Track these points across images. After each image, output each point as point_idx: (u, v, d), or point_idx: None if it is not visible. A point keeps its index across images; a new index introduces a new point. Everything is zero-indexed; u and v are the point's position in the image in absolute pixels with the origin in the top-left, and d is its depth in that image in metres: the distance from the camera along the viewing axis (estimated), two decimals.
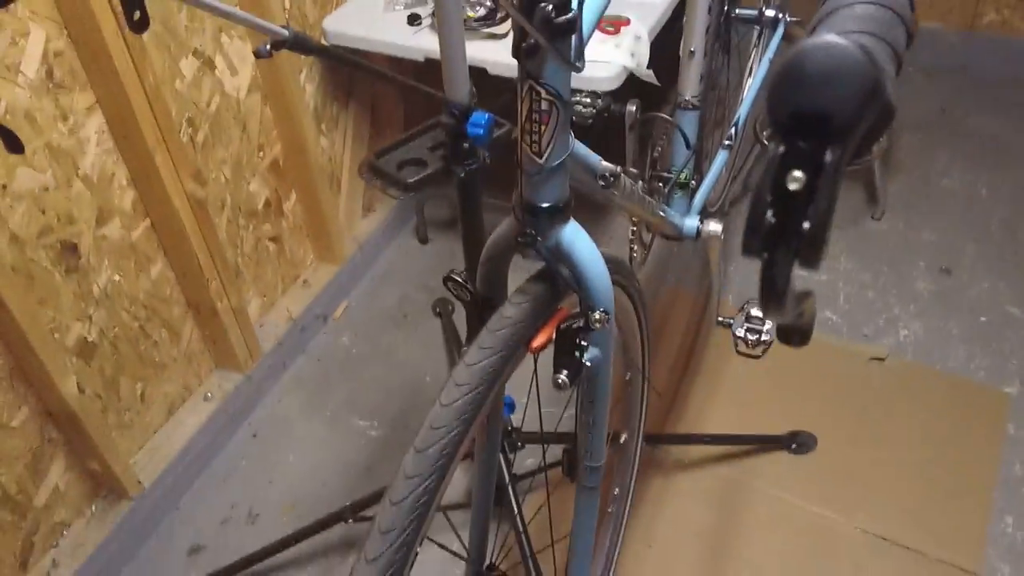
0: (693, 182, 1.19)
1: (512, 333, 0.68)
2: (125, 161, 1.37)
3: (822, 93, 0.31)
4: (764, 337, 1.05)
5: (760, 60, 1.43)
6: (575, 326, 0.71)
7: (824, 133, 0.32)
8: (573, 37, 0.58)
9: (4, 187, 1.19)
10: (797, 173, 0.33)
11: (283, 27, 0.63)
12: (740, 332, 1.04)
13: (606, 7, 0.71)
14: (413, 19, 1.63)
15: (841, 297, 1.91)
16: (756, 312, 1.06)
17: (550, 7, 0.54)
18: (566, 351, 0.72)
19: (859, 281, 1.95)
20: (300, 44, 0.63)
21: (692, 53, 1.15)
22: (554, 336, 0.72)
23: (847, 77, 0.30)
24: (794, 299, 0.39)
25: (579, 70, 0.60)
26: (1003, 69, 2.50)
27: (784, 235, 0.33)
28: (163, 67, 1.37)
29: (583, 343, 0.72)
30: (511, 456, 1.40)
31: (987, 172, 2.21)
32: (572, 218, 0.72)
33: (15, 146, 0.57)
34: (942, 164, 2.25)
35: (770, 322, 1.06)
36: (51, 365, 1.27)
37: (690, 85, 1.18)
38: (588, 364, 0.74)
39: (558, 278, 0.73)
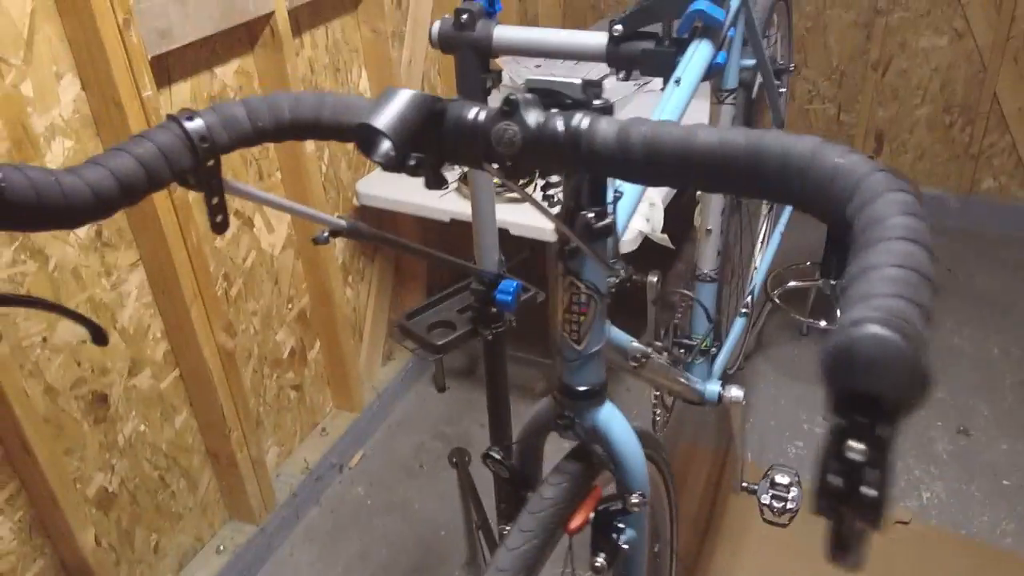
0: (713, 348, 1.22)
1: (552, 515, 0.70)
2: (161, 313, 1.42)
3: (872, 381, 0.34)
4: (791, 505, 1.04)
5: (772, 233, 1.51)
6: (613, 508, 0.73)
7: (878, 410, 0.35)
8: (609, 240, 0.63)
9: (45, 340, 1.23)
10: (858, 445, 0.36)
11: (339, 217, 0.68)
12: (766, 499, 1.05)
13: (636, 208, 0.77)
14: (440, 183, 1.73)
15: None
16: (781, 479, 1.06)
17: (591, 215, 0.60)
18: (603, 534, 0.73)
19: None
20: (355, 232, 0.68)
21: (709, 231, 1.23)
22: (591, 517, 0.73)
23: (895, 366, 0.34)
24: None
25: (616, 273, 0.65)
26: (1003, 230, 2.60)
27: (850, 497, 0.36)
28: (206, 227, 1.45)
29: (620, 525, 0.73)
30: None
31: (996, 332, 2.25)
32: (608, 399, 0.75)
33: (100, 338, 0.61)
34: (952, 324, 2.29)
35: (796, 490, 1.06)
36: (71, 516, 1.27)
37: (708, 260, 1.25)
38: (625, 547, 0.74)
39: (593, 456, 0.75)
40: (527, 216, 1.61)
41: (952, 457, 1.89)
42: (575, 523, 0.72)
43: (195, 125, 0.58)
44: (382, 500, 1.86)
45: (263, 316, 1.65)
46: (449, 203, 1.70)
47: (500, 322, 1.04)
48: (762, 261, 1.39)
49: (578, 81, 0.55)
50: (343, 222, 0.68)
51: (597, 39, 0.90)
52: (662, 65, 0.84)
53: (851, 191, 0.42)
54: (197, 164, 0.58)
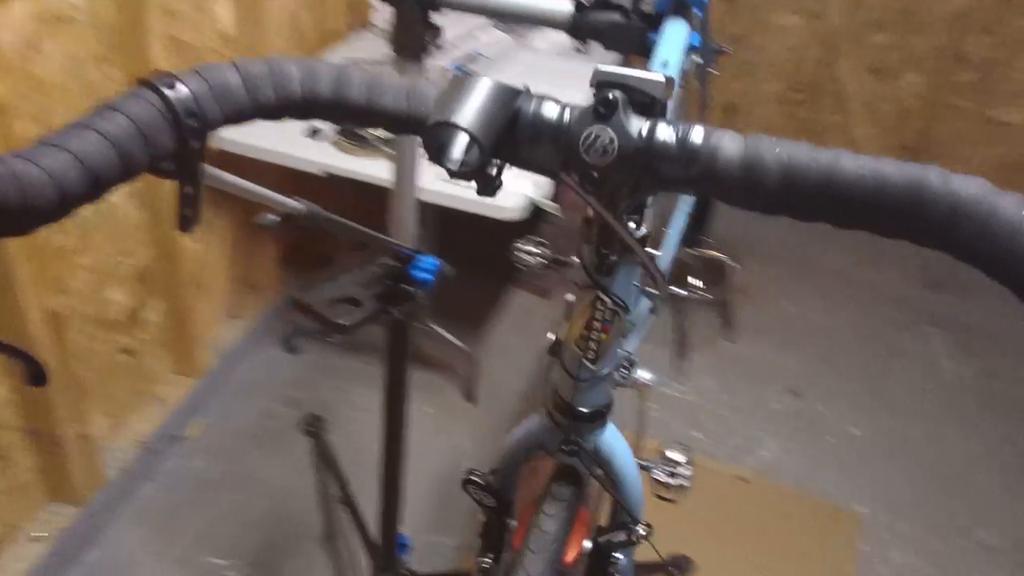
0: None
1: (555, 551, 0.64)
2: None
3: None
4: (683, 482, 1.04)
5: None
6: (615, 541, 0.68)
7: None
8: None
9: None
10: None
11: (298, 200, 0.57)
12: (660, 476, 1.03)
13: None
14: (314, 132, 1.58)
15: (706, 418, 1.99)
16: (674, 455, 1.05)
17: (631, 224, 0.54)
18: (601, 567, 0.68)
19: (720, 401, 2.04)
20: (311, 218, 0.57)
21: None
22: (587, 548, 0.68)
23: None
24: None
25: (666, 292, 0.59)
26: None
27: None
28: None
29: (618, 556, 0.68)
30: None
31: (825, 301, 2.43)
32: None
33: (37, 378, 0.48)
34: (789, 293, 2.45)
35: (688, 468, 1.05)
36: None
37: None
38: None
39: (583, 478, 0.70)
40: (444, 184, 1.51)
41: (786, 417, 2.02)
42: (571, 555, 0.67)
43: (179, 94, 0.44)
44: (226, 473, 1.72)
45: (96, 272, 1.44)
46: (324, 154, 1.57)
47: (412, 302, 0.95)
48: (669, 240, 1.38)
49: (660, 77, 0.47)
50: (302, 206, 0.57)
51: (562, 5, 0.82)
52: (631, 41, 0.78)
53: None
54: (180, 146, 0.45)
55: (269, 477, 1.71)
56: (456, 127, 0.42)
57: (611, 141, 0.45)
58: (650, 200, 0.56)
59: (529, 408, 1.95)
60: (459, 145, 0.43)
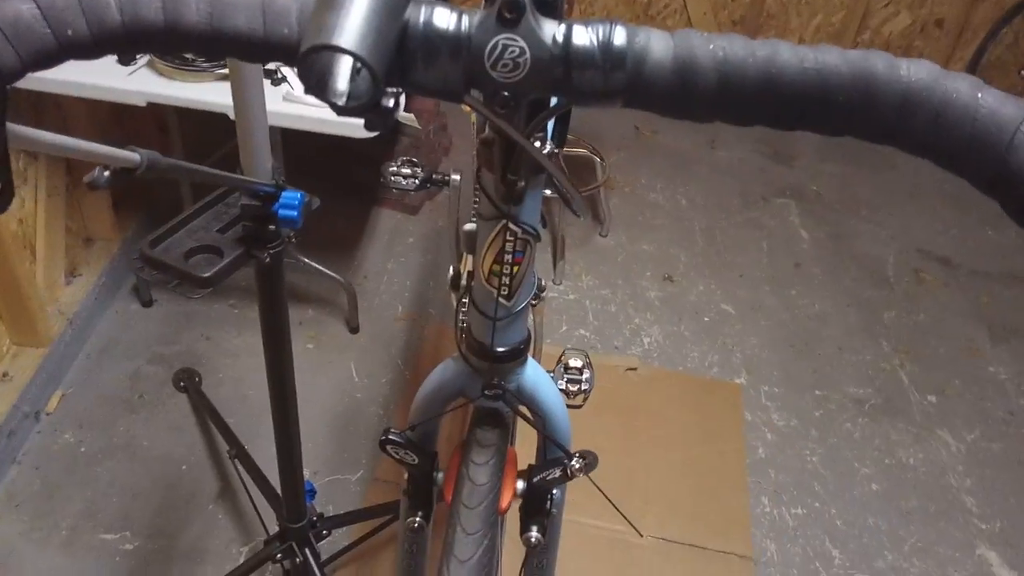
0: None
1: (492, 502, 0.59)
2: None
3: None
4: (584, 387, 1.04)
5: None
6: (550, 478, 0.64)
7: None
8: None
9: None
10: None
11: (133, 150, 0.47)
12: (561, 385, 1.03)
13: None
14: (126, 59, 1.40)
15: (590, 314, 2.02)
16: (574, 362, 1.05)
17: (535, 141, 0.47)
18: (537, 505, 0.65)
19: (601, 296, 2.08)
20: (154, 168, 0.48)
21: None
22: (521, 489, 0.64)
23: None
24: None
25: (585, 210, 0.53)
26: None
27: None
28: None
29: (554, 493, 0.65)
30: (318, 546, 1.27)
31: (682, 185, 2.49)
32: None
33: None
34: (646, 180, 2.49)
35: (588, 371, 1.06)
36: None
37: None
38: (555, 512, 0.67)
39: (506, 417, 0.65)
40: (290, 104, 1.37)
41: (662, 303, 2.09)
42: (506, 501, 0.63)
43: None
44: (100, 444, 1.58)
45: None
46: (144, 81, 1.39)
47: (279, 241, 0.86)
48: None
49: None
50: (137, 155, 0.47)
51: None
52: None
53: (1006, 142, 0.34)
54: None
55: (149, 441, 1.59)
56: (339, 49, 0.33)
57: (522, 52, 0.38)
58: None
59: (410, 328, 1.91)
60: (344, 73, 0.34)
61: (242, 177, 0.81)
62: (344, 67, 0.34)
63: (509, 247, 0.55)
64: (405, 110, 1.44)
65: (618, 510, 0.72)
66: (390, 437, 0.63)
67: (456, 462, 0.63)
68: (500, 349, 0.61)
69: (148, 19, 0.37)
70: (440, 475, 0.66)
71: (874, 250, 2.31)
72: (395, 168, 1.01)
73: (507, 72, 0.38)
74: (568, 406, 1.13)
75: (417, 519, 0.67)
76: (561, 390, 1.09)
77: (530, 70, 0.38)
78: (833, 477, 1.69)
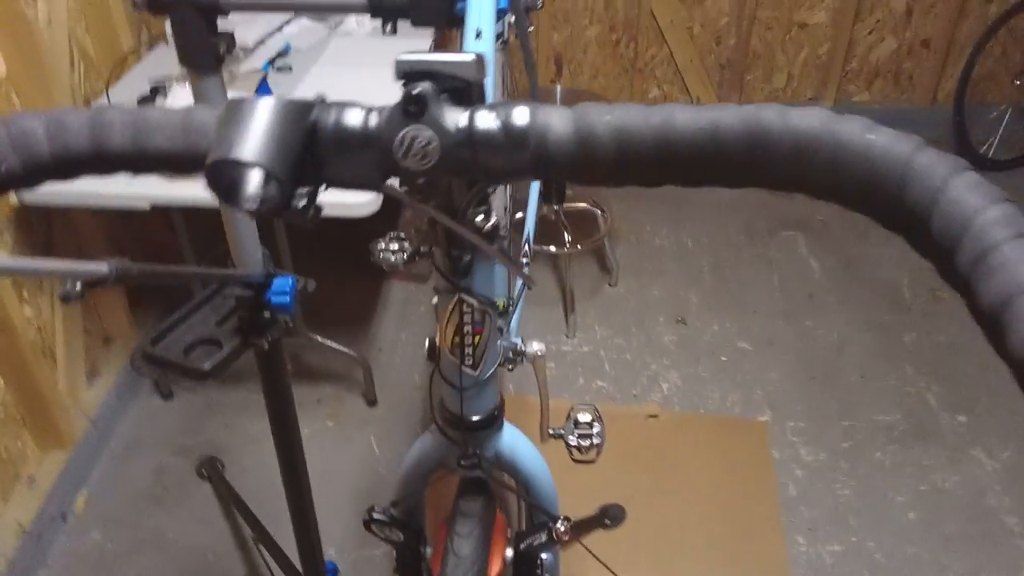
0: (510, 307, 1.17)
1: (476, 572, 0.59)
2: None
3: None
4: (595, 440, 1.04)
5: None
6: (536, 544, 0.64)
7: None
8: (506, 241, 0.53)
9: None
10: None
11: (103, 262, 0.50)
12: (573, 440, 1.03)
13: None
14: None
15: (606, 364, 2.01)
16: (583, 417, 1.05)
17: (479, 216, 0.49)
18: (527, 573, 0.65)
19: (616, 346, 2.07)
20: (124, 277, 0.50)
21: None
22: (509, 557, 0.64)
23: None
24: None
25: (531, 281, 0.55)
26: None
27: None
28: None
29: (544, 556, 0.65)
30: None
31: (687, 227, 2.50)
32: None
33: None
34: (651, 226, 2.50)
35: (598, 425, 1.05)
36: None
37: (500, 211, 1.17)
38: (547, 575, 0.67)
39: (491, 485, 0.65)
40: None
41: (678, 346, 2.08)
42: (495, 570, 0.63)
43: None
44: (126, 540, 1.59)
45: None
46: (147, 185, 1.44)
47: (275, 327, 0.88)
48: (529, 208, 1.36)
49: (470, 58, 0.40)
50: (105, 267, 0.50)
51: None
52: (438, 14, 0.73)
53: (900, 179, 0.35)
54: None
55: (175, 533, 1.60)
56: (240, 163, 0.35)
57: (429, 142, 0.40)
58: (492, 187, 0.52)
59: (428, 397, 1.91)
60: (251, 183, 0.36)
61: (227, 271, 0.83)
62: (253, 175, 0.36)
63: (467, 318, 0.56)
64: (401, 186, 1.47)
65: (606, 567, 0.72)
66: (374, 516, 0.63)
67: (442, 535, 0.63)
68: (472, 418, 0.61)
69: (76, 148, 0.40)
70: (429, 550, 0.66)
71: (887, 274, 2.29)
72: (383, 245, 1.03)
73: (419, 160, 0.40)
74: (580, 461, 1.13)
75: None
76: (573, 446, 1.09)
77: (441, 157, 0.40)
78: (868, 509, 1.65)
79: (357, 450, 1.78)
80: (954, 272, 0.33)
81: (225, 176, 0.36)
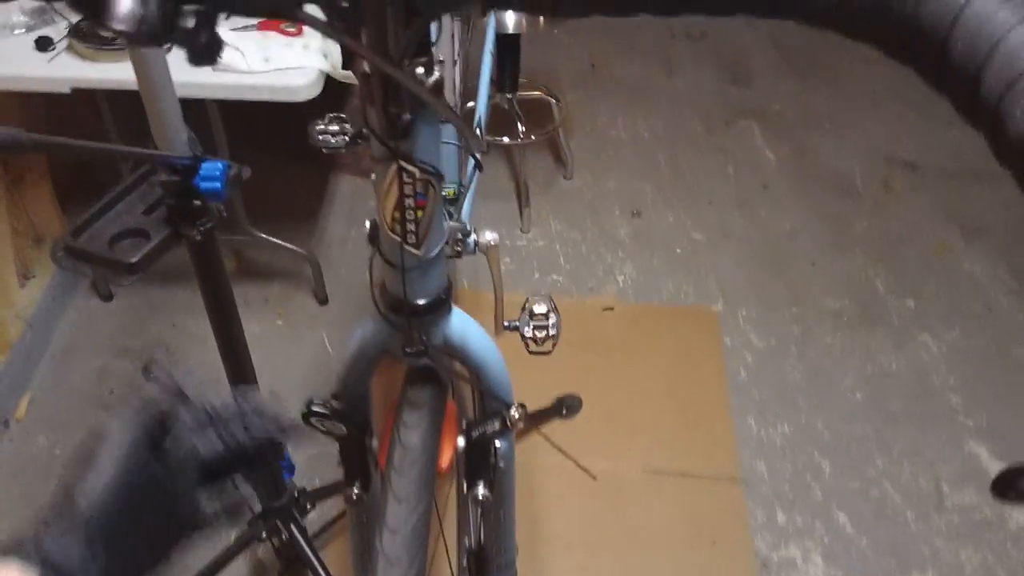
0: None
1: (426, 465, 0.56)
2: None
3: None
4: (551, 332, 1.01)
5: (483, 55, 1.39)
6: (489, 431, 0.61)
7: None
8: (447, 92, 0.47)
9: None
10: None
11: None
12: (528, 332, 1.00)
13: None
14: (44, 44, 1.33)
15: (561, 258, 1.99)
16: (539, 308, 1.02)
17: (420, 68, 0.43)
18: (480, 460, 0.62)
19: (571, 239, 2.05)
20: (17, 144, 0.44)
21: (441, 62, 1.07)
22: (462, 446, 0.61)
23: None
24: None
25: (483, 146, 0.49)
26: (630, 22, 2.77)
27: None
28: None
29: (497, 444, 0.62)
30: (304, 520, 1.25)
31: (643, 117, 2.44)
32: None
33: None
34: (606, 117, 2.44)
35: (554, 316, 1.02)
36: None
37: (450, 94, 1.10)
38: (502, 464, 0.64)
39: (440, 372, 0.62)
40: (209, 73, 1.30)
41: (633, 239, 2.06)
42: (446, 460, 0.60)
43: None
44: (73, 445, 1.55)
45: None
46: (65, 66, 1.33)
47: (207, 216, 0.82)
48: (480, 96, 1.28)
49: None
50: None
51: None
52: None
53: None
54: None
55: None
56: None
57: None
58: (435, 33, 0.46)
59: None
60: None
61: (148, 151, 0.76)
62: None
63: (408, 189, 0.51)
64: (345, 68, 1.39)
65: (565, 453, 0.70)
66: (313, 408, 0.59)
67: (389, 427, 0.60)
68: (417, 301, 0.57)
69: None
70: (375, 442, 0.63)
71: (840, 163, 2.28)
72: (322, 126, 0.96)
73: None
74: (536, 353, 1.10)
75: (355, 491, 0.64)
76: (529, 338, 1.06)
77: None
78: (816, 391, 1.69)
79: (309, 348, 1.74)
80: (975, 103, 0.28)
81: None
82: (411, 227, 0.52)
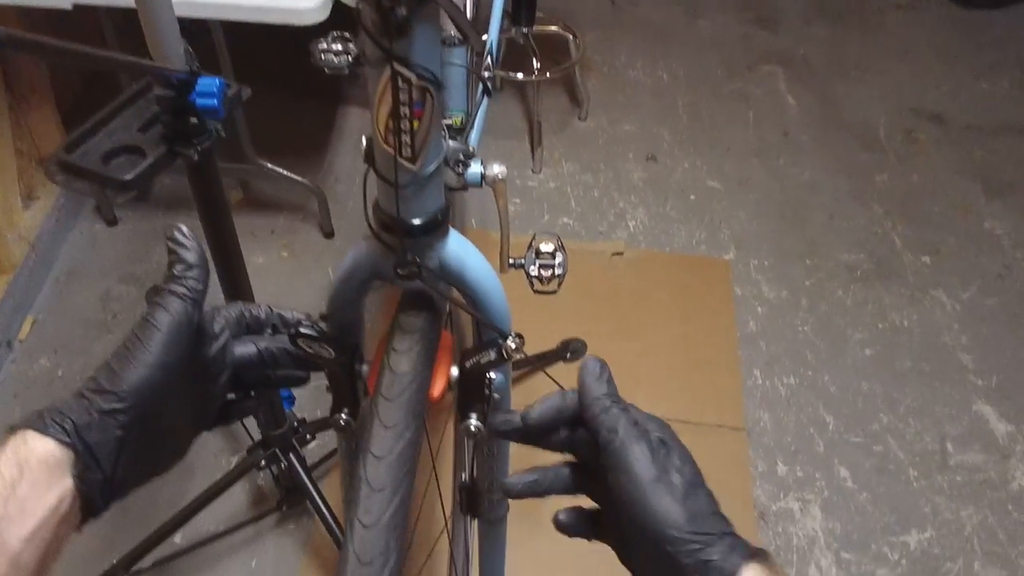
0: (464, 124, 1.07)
1: (416, 392, 0.54)
2: None
3: None
4: (557, 271, 0.97)
5: None
6: (484, 361, 0.59)
7: None
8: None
9: None
10: None
11: None
12: (534, 271, 0.96)
13: None
14: None
15: (572, 201, 1.95)
16: (545, 247, 0.98)
17: None
18: (474, 391, 0.60)
19: (583, 182, 2.00)
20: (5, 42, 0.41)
21: None
22: (455, 376, 0.59)
23: None
24: None
25: (482, 46, 0.45)
26: None
27: None
28: None
29: (492, 376, 0.60)
30: (304, 450, 1.25)
31: (663, 59, 2.37)
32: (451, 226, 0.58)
33: None
34: (625, 57, 2.37)
35: (561, 255, 0.98)
36: None
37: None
38: (497, 396, 0.62)
39: (434, 298, 0.59)
40: None
41: (647, 184, 2.02)
42: (439, 388, 0.57)
43: None
44: (77, 367, 1.55)
45: None
46: None
47: (205, 135, 0.79)
48: (494, 17, 1.23)
49: None
50: None
51: None
52: None
53: None
54: None
55: None
56: None
57: None
58: None
59: None
60: None
61: (145, 61, 0.73)
62: None
63: (404, 97, 0.47)
64: None
65: (563, 389, 0.68)
66: (301, 331, 0.57)
67: (380, 352, 0.57)
68: (411, 220, 0.54)
69: None
70: (364, 367, 0.61)
71: (865, 113, 2.22)
72: (325, 45, 0.91)
73: None
74: (541, 292, 1.07)
75: (343, 417, 0.62)
76: (534, 276, 1.03)
77: None
78: (825, 345, 1.66)
79: (313, 281, 1.73)
80: None
81: None
82: (406, 139, 0.49)
